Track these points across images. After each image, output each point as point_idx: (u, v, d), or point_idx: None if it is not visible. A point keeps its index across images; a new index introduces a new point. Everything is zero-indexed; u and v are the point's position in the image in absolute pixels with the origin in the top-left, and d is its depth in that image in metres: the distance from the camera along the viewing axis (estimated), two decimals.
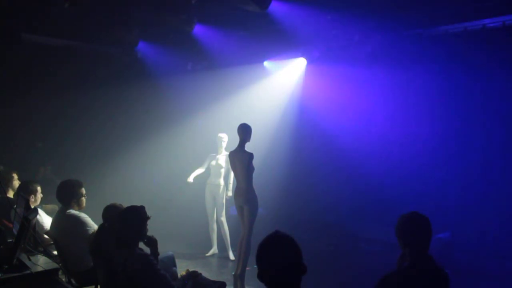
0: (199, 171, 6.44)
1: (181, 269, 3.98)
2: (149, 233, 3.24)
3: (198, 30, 7.04)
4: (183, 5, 6.35)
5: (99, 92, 8.15)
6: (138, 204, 3.21)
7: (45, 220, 4.49)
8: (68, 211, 3.96)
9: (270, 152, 8.05)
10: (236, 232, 5.71)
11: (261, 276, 1.89)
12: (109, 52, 8.28)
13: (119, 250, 3.05)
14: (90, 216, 3.99)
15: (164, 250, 3.58)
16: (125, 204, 3.36)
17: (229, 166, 5.47)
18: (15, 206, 4.18)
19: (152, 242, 3.26)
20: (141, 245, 3.18)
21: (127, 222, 3.10)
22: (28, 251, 3.68)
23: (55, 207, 4.37)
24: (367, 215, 7.20)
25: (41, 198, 4.70)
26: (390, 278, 2.48)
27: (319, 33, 6.76)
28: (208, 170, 6.45)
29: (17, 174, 5.12)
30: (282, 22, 6.45)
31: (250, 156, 5.00)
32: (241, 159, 5.05)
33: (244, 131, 5.09)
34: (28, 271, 3.27)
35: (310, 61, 7.49)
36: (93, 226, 3.90)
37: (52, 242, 4.07)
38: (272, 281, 1.87)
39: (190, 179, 6.36)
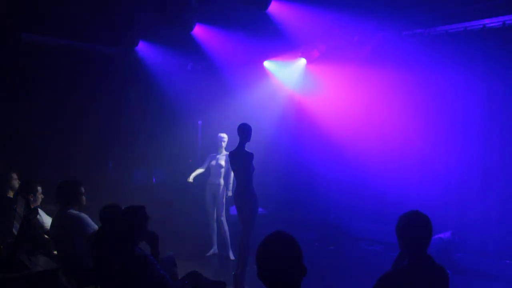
0: (199, 171, 6.45)
1: (181, 269, 3.98)
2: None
3: (198, 30, 7.04)
4: (183, 5, 6.35)
5: (99, 92, 8.15)
6: (138, 204, 3.21)
7: (45, 220, 4.49)
8: (68, 211, 3.96)
9: (270, 152, 8.05)
10: (236, 232, 5.71)
11: (260, 275, 1.88)
12: (109, 52, 8.27)
13: (119, 250, 3.05)
14: (90, 216, 3.99)
15: (164, 250, 3.58)
16: (125, 204, 3.35)
17: (229, 166, 5.47)
18: (15, 206, 4.17)
19: (152, 240, 3.26)
20: (142, 243, 3.18)
21: (127, 222, 3.10)
22: (28, 251, 3.67)
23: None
24: (367, 215, 7.20)
25: (42, 199, 4.69)
26: (389, 277, 2.48)
27: (319, 33, 6.76)
28: (208, 170, 6.45)
29: (16, 174, 5.12)
30: (282, 22, 6.45)
31: (250, 156, 5.00)
32: (241, 159, 5.05)
33: (244, 131, 5.09)
34: (28, 271, 3.27)
35: (310, 61, 7.49)
36: (93, 226, 3.89)
37: (52, 242, 4.07)
38: (272, 281, 1.86)
39: (190, 179, 6.39)
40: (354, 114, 7.16)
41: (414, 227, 2.49)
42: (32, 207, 4.29)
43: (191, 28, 6.89)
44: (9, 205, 4.41)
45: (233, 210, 6.50)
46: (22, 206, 3.97)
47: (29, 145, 7.35)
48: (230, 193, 6.22)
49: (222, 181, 6.37)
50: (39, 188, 4.65)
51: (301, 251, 1.89)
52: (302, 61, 7.59)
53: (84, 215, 3.96)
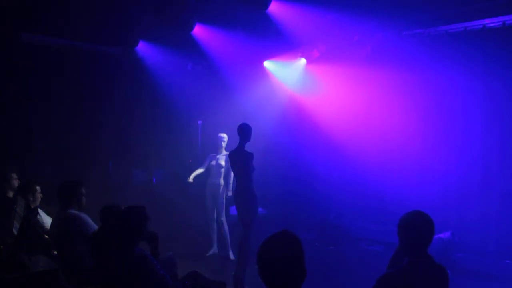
0: (199, 171, 6.46)
1: (181, 269, 3.98)
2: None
3: (198, 30, 7.05)
4: (183, 5, 6.36)
5: (99, 92, 8.15)
6: (138, 204, 3.21)
7: (45, 220, 4.49)
8: (68, 211, 3.95)
9: (270, 152, 8.05)
10: (236, 232, 5.71)
11: (261, 274, 1.86)
12: (109, 52, 8.27)
13: (119, 250, 3.05)
14: (90, 216, 3.99)
15: (164, 250, 3.58)
16: (125, 204, 3.35)
17: (229, 166, 5.48)
18: (15, 206, 4.17)
19: (152, 240, 3.26)
20: (141, 243, 3.17)
21: (127, 222, 3.10)
22: (28, 251, 3.67)
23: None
24: (367, 215, 7.20)
25: (41, 198, 4.69)
26: (389, 277, 2.48)
27: (319, 33, 6.76)
28: (208, 170, 6.46)
29: (16, 174, 5.11)
30: (282, 22, 6.45)
31: (250, 156, 5.00)
32: (241, 159, 5.05)
33: (244, 131, 5.09)
34: (28, 271, 3.27)
35: (310, 61, 7.49)
36: (93, 226, 3.89)
37: (52, 242, 4.07)
38: (272, 281, 1.85)
39: (190, 179, 6.40)
40: (354, 114, 7.15)
41: (416, 227, 2.49)
42: (32, 207, 4.29)
43: (191, 28, 6.90)
44: (9, 205, 4.40)
45: (233, 210, 6.50)
46: (22, 206, 3.97)
47: (29, 145, 7.35)
48: (230, 193, 6.23)
49: (222, 181, 6.37)
50: (38, 188, 4.65)
51: (304, 252, 1.87)
52: (302, 61, 7.59)
53: (84, 215, 3.96)
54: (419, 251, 2.49)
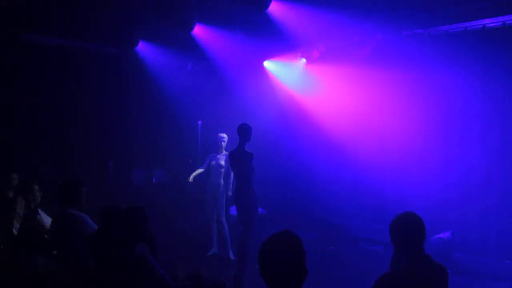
0: (199, 171, 6.47)
1: (181, 269, 3.98)
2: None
3: (198, 30, 7.05)
4: (183, 5, 6.36)
5: (99, 92, 8.15)
6: (139, 204, 3.21)
7: (45, 220, 4.49)
8: (68, 211, 3.95)
9: (270, 152, 8.05)
10: (236, 232, 5.71)
11: (262, 273, 1.85)
12: (109, 52, 8.27)
13: (119, 250, 3.05)
14: (90, 216, 3.98)
15: (164, 250, 3.59)
16: (125, 204, 3.35)
17: (229, 166, 5.48)
18: (15, 206, 4.18)
19: (151, 240, 3.26)
20: (141, 244, 3.18)
21: (127, 223, 3.10)
22: (28, 251, 3.67)
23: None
24: (367, 215, 7.20)
25: (41, 197, 4.69)
26: (388, 277, 2.48)
27: (319, 33, 6.76)
28: (208, 170, 6.46)
29: (16, 174, 5.12)
30: (282, 22, 6.46)
31: (250, 156, 5.00)
32: (241, 159, 5.05)
33: (244, 131, 5.09)
34: (28, 271, 3.27)
35: (310, 61, 7.49)
36: (93, 226, 3.88)
37: (52, 242, 4.07)
38: (272, 281, 1.84)
39: (190, 179, 6.40)
40: (354, 114, 7.15)
41: (407, 227, 2.51)
42: (32, 207, 4.29)
43: (191, 28, 6.90)
44: (9, 205, 4.41)
45: (233, 210, 6.51)
46: (22, 206, 3.97)
47: (29, 145, 7.35)
48: (230, 193, 6.23)
49: (222, 181, 6.38)
50: (36, 187, 4.64)
51: (305, 253, 1.87)
52: (302, 61, 7.59)
53: (85, 215, 3.95)
54: (415, 251, 2.49)
